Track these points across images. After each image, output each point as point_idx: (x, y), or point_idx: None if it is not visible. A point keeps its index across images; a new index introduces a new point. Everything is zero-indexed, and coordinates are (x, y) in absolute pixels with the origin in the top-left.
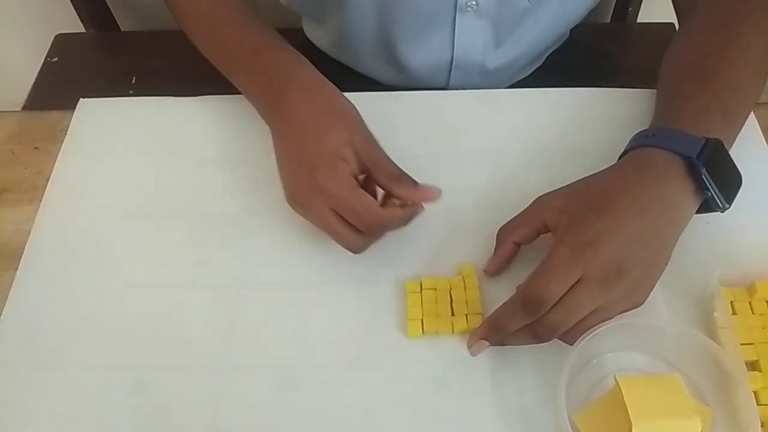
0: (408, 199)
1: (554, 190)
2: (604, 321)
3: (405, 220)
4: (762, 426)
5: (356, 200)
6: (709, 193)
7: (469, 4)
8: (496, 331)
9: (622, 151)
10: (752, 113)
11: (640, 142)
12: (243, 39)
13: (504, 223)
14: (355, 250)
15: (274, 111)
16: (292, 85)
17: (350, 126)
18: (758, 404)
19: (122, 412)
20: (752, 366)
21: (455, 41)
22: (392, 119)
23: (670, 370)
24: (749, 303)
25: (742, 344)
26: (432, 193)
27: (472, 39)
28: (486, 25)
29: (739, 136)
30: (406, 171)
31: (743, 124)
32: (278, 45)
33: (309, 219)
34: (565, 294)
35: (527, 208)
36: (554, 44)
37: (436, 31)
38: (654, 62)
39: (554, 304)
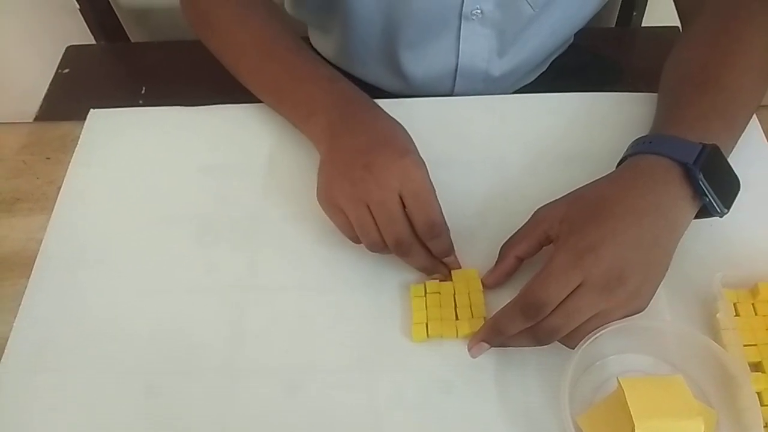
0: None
1: (553, 201)
2: (604, 325)
3: (426, 268)
4: (765, 427)
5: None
6: (707, 199)
7: (474, 12)
8: (497, 334)
9: (621, 157)
10: (755, 116)
11: (638, 149)
12: (298, 65)
13: (507, 228)
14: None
15: (330, 132)
16: (350, 116)
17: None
18: (762, 405)
19: (133, 416)
20: (755, 367)
21: (460, 49)
22: None
23: (674, 371)
24: (752, 304)
25: (745, 345)
26: (453, 265)
27: (477, 46)
28: (490, 33)
29: (741, 138)
30: None
31: (744, 128)
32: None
33: (342, 208)
34: (565, 299)
35: (527, 221)
36: (558, 50)
37: (441, 39)
38: (658, 66)
39: (554, 309)
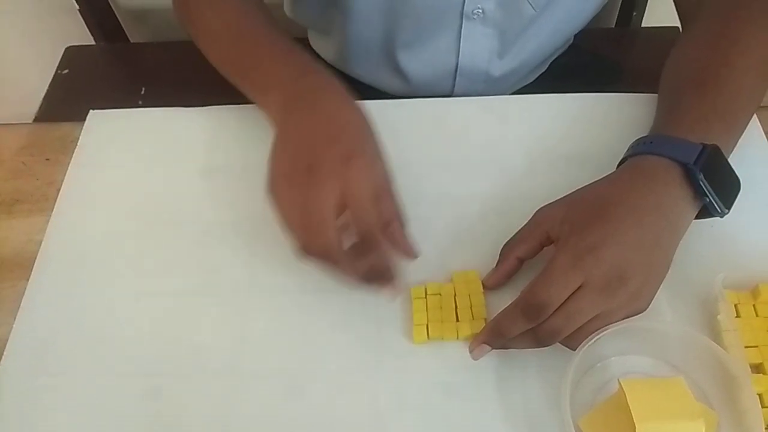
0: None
1: (554, 201)
2: (606, 327)
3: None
4: (767, 428)
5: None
6: (708, 199)
7: (475, 11)
8: (498, 336)
9: (621, 158)
10: (755, 116)
11: (638, 150)
12: (264, 44)
13: (508, 229)
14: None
15: (284, 111)
16: (306, 92)
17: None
18: (763, 407)
19: (133, 419)
20: (756, 369)
21: (460, 49)
22: (396, 127)
23: (675, 373)
24: (753, 306)
25: (746, 347)
26: (411, 252)
27: (478, 46)
28: (491, 33)
29: (741, 139)
30: (412, 178)
31: (744, 129)
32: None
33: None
34: (566, 300)
35: (528, 222)
36: (558, 50)
37: (441, 38)
38: (658, 66)
39: (555, 310)
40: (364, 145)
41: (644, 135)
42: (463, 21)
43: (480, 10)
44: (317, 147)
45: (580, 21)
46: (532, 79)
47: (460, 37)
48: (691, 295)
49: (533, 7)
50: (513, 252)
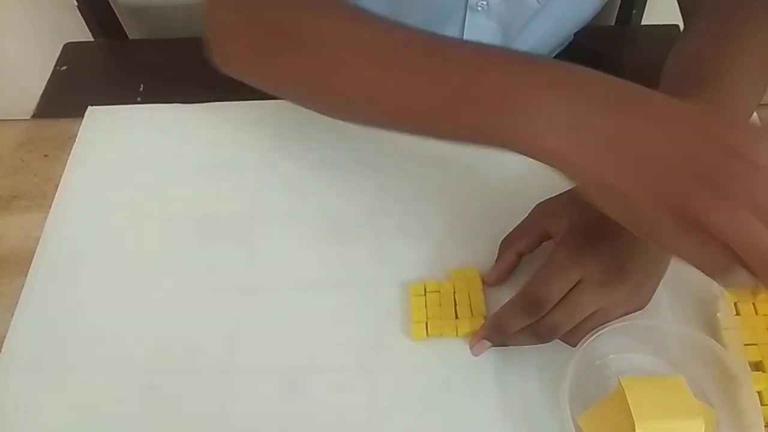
0: None
1: (553, 197)
2: (605, 323)
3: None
4: (766, 426)
5: None
6: None
7: (480, 3)
8: (498, 332)
9: None
10: (755, 114)
11: None
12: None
13: (506, 226)
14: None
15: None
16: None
17: None
18: (762, 404)
19: (131, 415)
20: (756, 366)
21: None
22: None
23: (674, 371)
24: (753, 304)
25: (745, 345)
26: None
27: (481, 39)
28: (495, 26)
29: None
30: (411, 174)
31: None
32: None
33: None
34: (565, 295)
35: (527, 216)
36: (558, 48)
37: (445, 31)
38: (658, 64)
39: (555, 305)
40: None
41: None
42: (468, 12)
43: (485, 2)
44: (725, 129)
45: (581, 18)
46: None
47: (463, 30)
48: (690, 292)
49: (538, 1)
50: (512, 247)
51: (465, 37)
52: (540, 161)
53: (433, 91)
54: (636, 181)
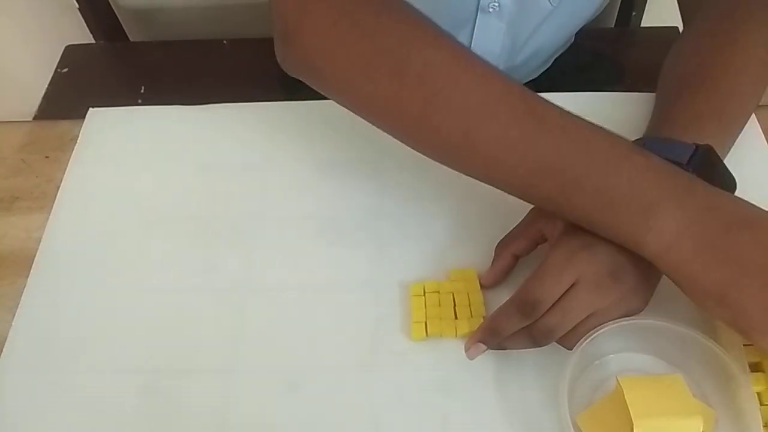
0: None
1: None
2: (603, 325)
3: None
4: (765, 427)
5: None
6: None
7: (491, 5)
8: (493, 334)
9: None
10: (753, 115)
11: None
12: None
13: (505, 228)
14: None
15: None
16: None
17: None
18: (761, 405)
19: (132, 415)
20: (755, 367)
21: (473, 43)
22: None
23: (673, 370)
24: None
25: (744, 345)
26: None
27: (490, 41)
28: (505, 28)
29: (740, 138)
30: (411, 175)
31: (741, 128)
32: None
33: None
34: (560, 297)
35: (523, 219)
36: (562, 48)
37: (455, 32)
38: (658, 66)
39: (550, 307)
40: None
41: (640, 136)
42: (479, 14)
43: (496, 4)
44: None
45: (586, 16)
46: (535, 75)
47: (473, 30)
48: None
49: (550, 2)
50: (507, 249)
51: (474, 38)
52: (661, 270)
53: (556, 166)
54: (751, 291)
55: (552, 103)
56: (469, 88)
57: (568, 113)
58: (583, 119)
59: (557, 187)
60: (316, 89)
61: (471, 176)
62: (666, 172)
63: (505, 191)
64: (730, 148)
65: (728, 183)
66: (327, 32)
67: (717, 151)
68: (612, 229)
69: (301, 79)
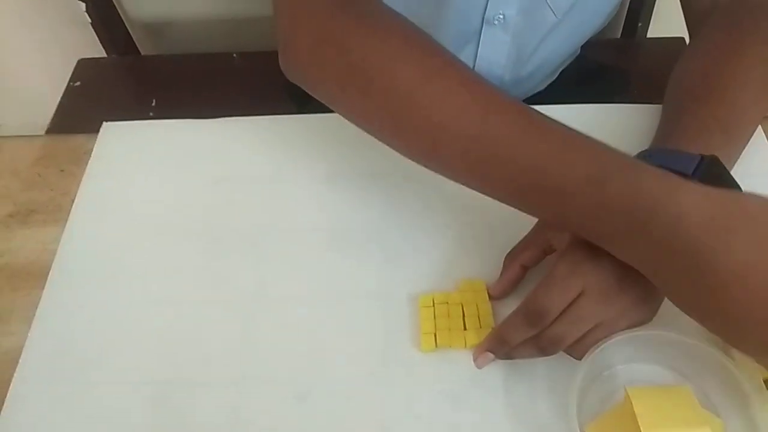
0: None
1: None
2: (609, 336)
3: None
4: None
5: None
6: None
7: (496, 17)
8: (501, 343)
9: None
10: (759, 127)
11: None
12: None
13: (513, 239)
14: None
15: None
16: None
17: None
18: None
19: (145, 426)
20: None
21: (478, 55)
22: None
23: (682, 381)
24: None
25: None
26: None
27: (496, 53)
28: (510, 40)
29: (746, 150)
30: (420, 187)
31: (748, 140)
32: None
33: None
34: (567, 307)
35: (531, 230)
36: (568, 59)
37: (461, 45)
38: (664, 77)
39: (557, 317)
40: None
41: (647, 147)
42: (484, 26)
43: (501, 16)
44: None
45: (592, 28)
46: (541, 87)
47: (479, 43)
48: None
49: (555, 14)
50: (516, 260)
51: (480, 49)
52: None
53: (517, 193)
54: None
55: (515, 112)
56: (428, 107)
57: (527, 123)
58: (545, 126)
59: (521, 206)
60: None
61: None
62: (626, 204)
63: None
64: (736, 160)
65: None
66: (311, 48)
67: (723, 163)
68: (601, 237)
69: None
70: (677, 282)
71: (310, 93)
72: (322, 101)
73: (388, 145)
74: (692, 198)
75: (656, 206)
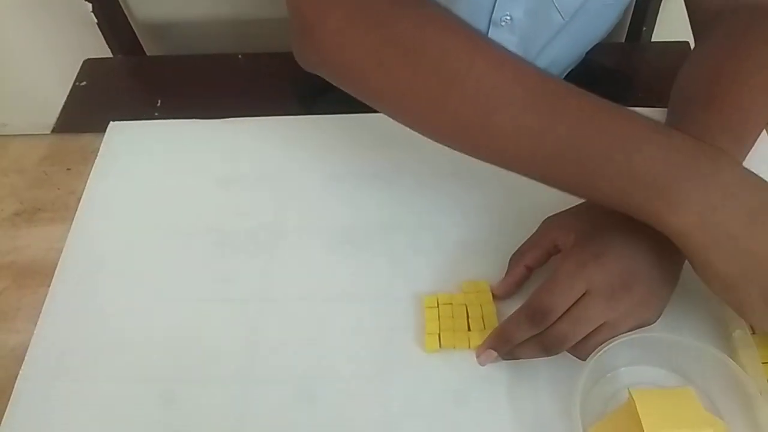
0: None
1: (562, 211)
2: (613, 336)
3: None
4: None
5: None
6: None
7: (503, 18)
8: (503, 341)
9: None
10: (764, 131)
11: None
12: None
13: (517, 240)
14: None
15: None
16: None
17: None
18: None
19: (150, 424)
20: None
21: None
22: (409, 137)
23: (685, 383)
24: None
25: (763, 363)
26: None
27: None
28: (517, 42)
29: (752, 153)
30: (424, 187)
31: (753, 143)
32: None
33: None
34: (571, 306)
35: (536, 231)
36: (573, 63)
37: None
38: (669, 81)
39: (561, 316)
40: None
41: None
42: (491, 27)
43: (508, 17)
44: None
45: (599, 33)
46: None
47: None
48: (705, 309)
49: (562, 16)
50: (521, 261)
51: None
52: (679, 248)
53: (575, 148)
54: (760, 283)
55: (569, 85)
56: (483, 74)
57: (586, 94)
58: (603, 100)
59: (576, 171)
60: (332, 82)
61: (489, 162)
62: (689, 151)
63: (524, 176)
64: (742, 162)
65: None
66: (341, 24)
67: None
68: (633, 210)
69: (316, 73)
70: (734, 229)
71: (335, 80)
72: (351, 87)
73: (424, 123)
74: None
75: (719, 153)
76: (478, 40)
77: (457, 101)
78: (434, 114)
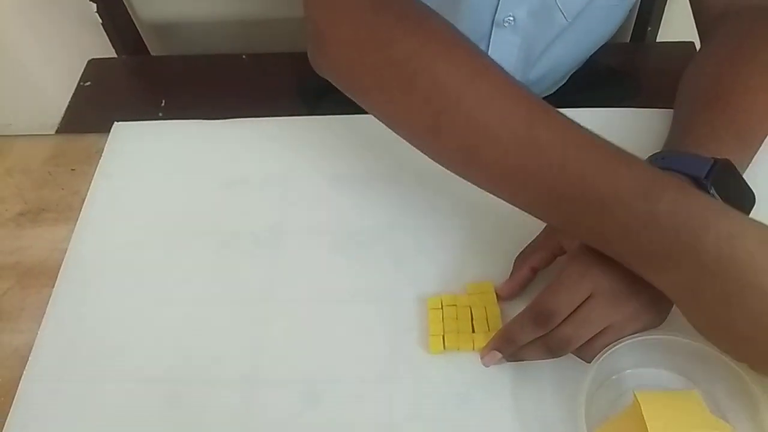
0: None
1: None
2: (618, 339)
3: None
4: None
5: None
6: None
7: (506, 19)
8: (508, 342)
9: None
10: None
11: None
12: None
13: (522, 241)
14: None
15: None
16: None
17: None
18: None
19: (154, 425)
20: None
21: None
22: None
23: (690, 386)
24: None
25: None
26: None
27: (505, 55)
28: (520, 42)
29: (759, 153)
30: (428, 189)
31: (760, 144)
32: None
33: None
34: (576, 308)
35: (541, 232)
36: (578, 64)
37: None
38: (673, 81)
39: (566, 318)
40: None
41: (658, 151)
42: (494, 28)
43: (511, 18)
44: None
45: (602, 35)
46: (551, 91)
47: (488, 45)
48: None
49: (565, 17)
50: (526, 262)
51: (490, 52)
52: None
53: (548, 204)
54: (744, 352)
55: (557, 123)
56: (472, 109)
57: (575, 136)
58: (591, 138)
59: (555, 217)
60: (339, 89)
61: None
62: (675, 221)
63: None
64: (748, 164)
65: (747, 197)
66: (349, 38)
67: (736, 166)
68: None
69: (327, 78)
70: (715, 305)
71: (342, 89)
72: (355, 98)
73: (420, 145)
74: (742, 221)
75: (707, 225)
76: (475, 66)
77: (447, 133)
78: (427, 139)
